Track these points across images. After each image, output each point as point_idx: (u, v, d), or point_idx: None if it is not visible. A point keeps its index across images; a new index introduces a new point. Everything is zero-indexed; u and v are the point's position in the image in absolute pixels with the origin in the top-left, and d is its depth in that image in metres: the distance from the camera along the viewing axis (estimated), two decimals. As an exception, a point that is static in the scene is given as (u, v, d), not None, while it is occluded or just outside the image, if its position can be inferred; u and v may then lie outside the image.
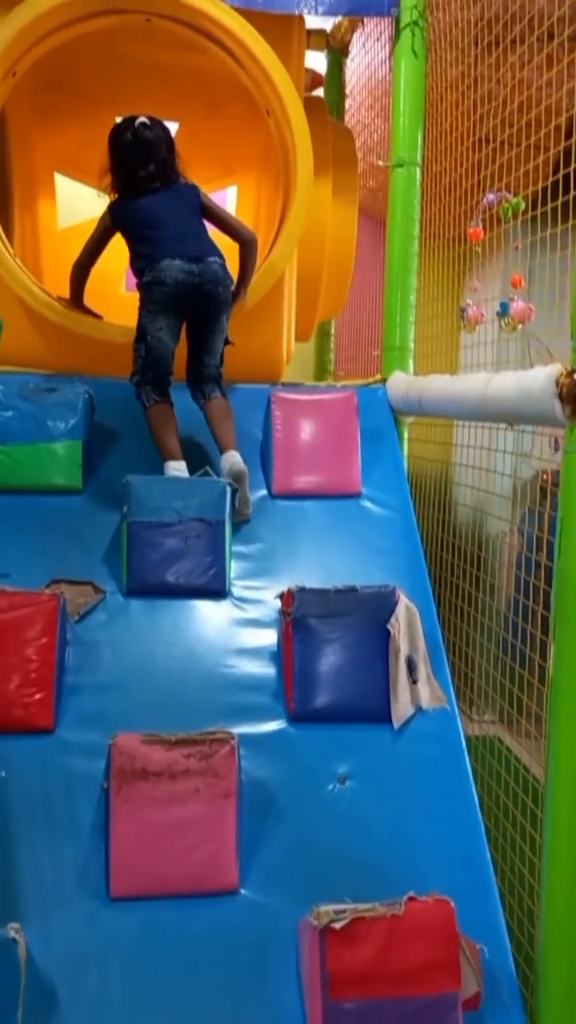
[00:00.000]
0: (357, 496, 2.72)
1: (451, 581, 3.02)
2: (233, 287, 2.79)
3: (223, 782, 1.93)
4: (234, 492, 2.54)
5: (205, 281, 2.66)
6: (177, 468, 2.61)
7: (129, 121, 2.71)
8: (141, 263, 2.70)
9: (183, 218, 2.72)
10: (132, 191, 2.72)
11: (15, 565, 2.40)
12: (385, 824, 2.06)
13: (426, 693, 2.26)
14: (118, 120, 2.78)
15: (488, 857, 2.08)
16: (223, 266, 2.71)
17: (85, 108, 3.62)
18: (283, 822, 2.02)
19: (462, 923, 1.78)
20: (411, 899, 1.77)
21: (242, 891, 1.92)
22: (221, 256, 2.72)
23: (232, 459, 2.64)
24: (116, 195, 2.78)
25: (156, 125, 2.72)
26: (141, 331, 2.67)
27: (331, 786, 2.11)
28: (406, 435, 3.01)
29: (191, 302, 2.67)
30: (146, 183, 2.71)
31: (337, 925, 1.70)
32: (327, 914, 1.72)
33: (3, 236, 2.85)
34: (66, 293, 2.95)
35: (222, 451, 2.68)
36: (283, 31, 2.94)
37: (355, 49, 3.98)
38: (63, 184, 3.86)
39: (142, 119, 2.70)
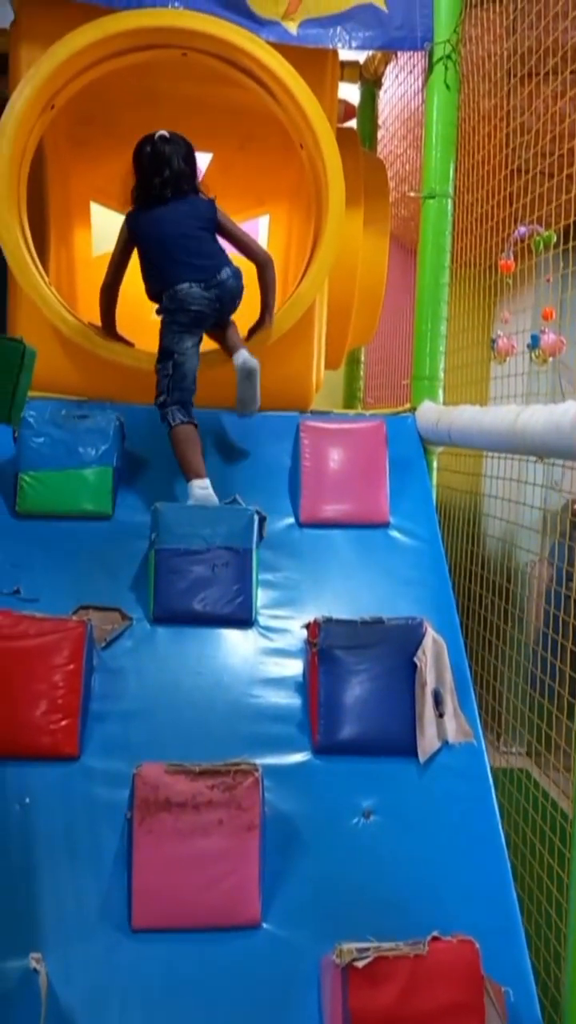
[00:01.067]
0: (385, 526, 2.71)
1: (479, 613, 3.00)
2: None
3: (247, 814, 1.92)
4: (254, 516, 2.53)
5: (224, 304, 2.78)
6: (201, 486, 2.64)
7: (151, 135, 2.82)
8: (157, 285, 2.76)
9: (192, 234, 2.78)
10: (147, 200, 2.81)
11: (44, 590, 2.42)
12: (410, 860, 2.04)
13: (453, 727, 2.24)
14: None
15: (514, 897, 2.04)
16: (236, 274, 2.78)
17: (120, 141, 3.66)
18: (307, 856, 2.01)
19: (487, 964, 1.76)
20: (435, 939, 1.75)
21: (264, 926, 1.90)
22: (231, 265, 2.79)
23: (243, 356, 2.73)
24: (134, 205, 2.86)
25: (175, 138, 2.82)
26: (167, 351, 2.72)
27: (355, 820, 2.09)
28: (435, 465, 3.00)
29: (213, 320, 2.79)
30: (160, 189, 2.78)
31: (360, 964, 1.68)
32: (350, 952, 1.70)
33: (39, 265, 2.89)
34: (98, 319, 3.00)
35: (233, 352, 2.77)
36: (317, 64, 2.98)
37: (388, 80, 4.02)
38: (98, 212, 3.93)
39: (162, 132, 2.81)
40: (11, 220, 2.75)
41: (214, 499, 2.63)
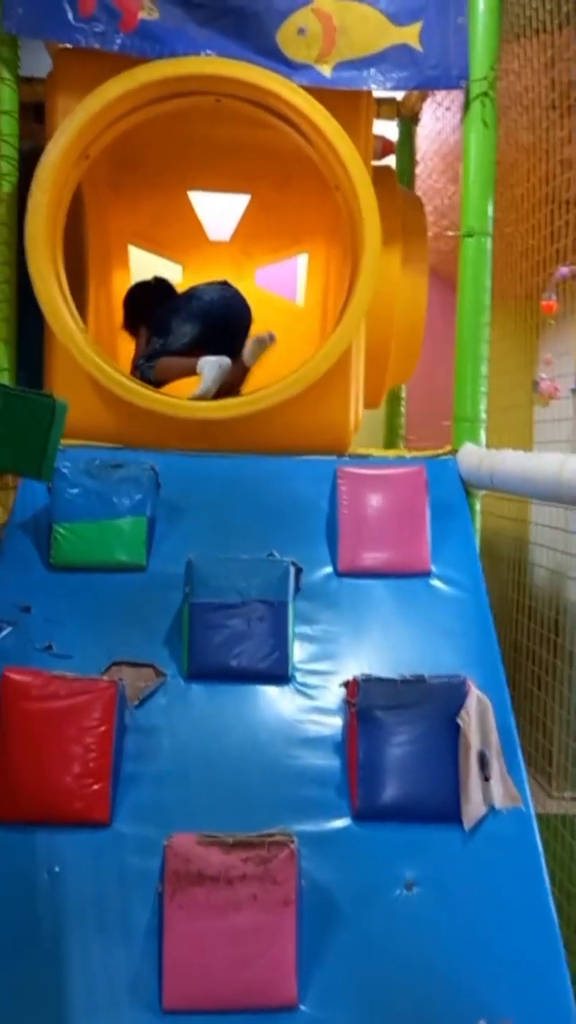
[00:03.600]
0: (426, 575, 2.62)
1: (525, 665, 2.88)
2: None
3: (282, 889, 1.83)
4: (289, 568, 2.47)
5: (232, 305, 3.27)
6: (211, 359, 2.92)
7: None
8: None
9: None
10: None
11: (77, 645, 2.38)
12: (454, 937, 1.93)
13: (499, 792, 2.13)
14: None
15: (567, 976, 1.92)
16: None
17: (158, 185, 3.71)
18: (345, 931, 1.91)
19: (539, 1057, 1.64)
20: (482, 1028, 1.64)
21: (301, 1007, 1.80)
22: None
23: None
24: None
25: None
26: (165, 327, 3.20)
27: (397, 891, 1.99)
28: (478, 508, 2.91)
29: (218, 321, 3.20)
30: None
31: (401, 1057, 1.58)
32: (390, 1042, 1.60)
33: (75, 313, 2.88)
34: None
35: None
36: (351, 105, 2.94)
37: (426, 116, 3.97)
38: (136, 255, 3.95)
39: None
40: (47, 271, 2.75)
41: (226, 361, 2.91)
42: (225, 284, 3.29)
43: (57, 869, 1.95)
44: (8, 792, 2.01)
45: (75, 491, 2.61)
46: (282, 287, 4.22)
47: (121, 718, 2.14)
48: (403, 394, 4.29)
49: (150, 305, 3.41)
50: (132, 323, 3.51)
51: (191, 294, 3.25)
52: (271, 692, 2.33)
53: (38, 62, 3.18)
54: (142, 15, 2.75)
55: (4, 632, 2.39)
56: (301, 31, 2.79)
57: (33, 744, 2.04)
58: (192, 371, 2.99)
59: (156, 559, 2.61)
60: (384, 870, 2.01)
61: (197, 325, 3.15)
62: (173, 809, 2.07)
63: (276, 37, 2.78)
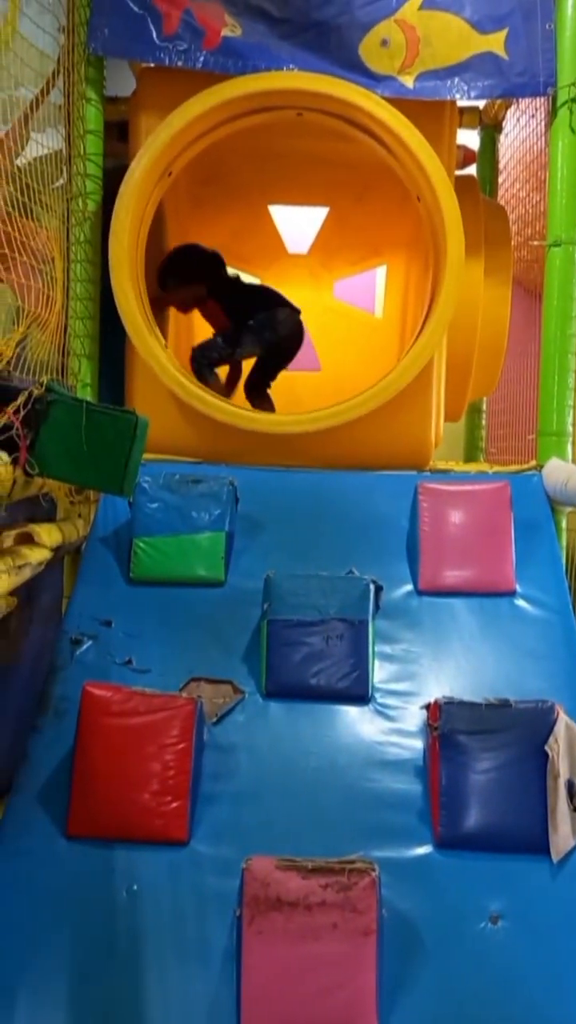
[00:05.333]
0: (511, 594, 2.54)
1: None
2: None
3: (362, 918, 1.78)
4: (369, 586, 2.42)
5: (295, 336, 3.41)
6: None
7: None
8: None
9: None
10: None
11: (156, 660, 2.38)
12: (541, 974, 1.85)
13: (589, 824, 2.04)
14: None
15: None
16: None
17: (238, 198, 3.73)
18: (428, 964, 1.85)
19: None
20: (573, 1076, 1.56)
21: (382, 1042, 1.75)
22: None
23: None
24: None
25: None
26: (237, 340, 3.29)
27: (482, 924, 1.92)
28: (564, 525, 2.81)
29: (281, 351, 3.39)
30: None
31: None
32: None
33: (156, 329, 2.90)
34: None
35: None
36: (434, 115, 2.90)
37: (509, 124, 3.89)
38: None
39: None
40: (129, 288, 2.77)
41: None
42: (296, 312, 3.36)
43: (135, 887, 1.94)
44: (87, 808, 2.02)
45: (155, 506, 2.62)
46: (360, 299, 4.19)
47: (200, 735, 2.13)
48: (484, 406, 4.20)
49: (203, 272, 3.40)
50: (177, 283, 3.39)
51: (272, 323, 3.32)
52: (350, 712, 2.29)
53: (122, 81, 3.23)
54: (225, 32, 2.76)
55: (85, 646, 2.41)
56: (384, 43, 2.76)
57: (112, 760, 2.05)
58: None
59: (234, 574, 2.60)
60: (468, 902, 1.94)
61: (263, 349, 3.34)
62: (251, 830, 2.05)
63: (359, 49, 2.76)
